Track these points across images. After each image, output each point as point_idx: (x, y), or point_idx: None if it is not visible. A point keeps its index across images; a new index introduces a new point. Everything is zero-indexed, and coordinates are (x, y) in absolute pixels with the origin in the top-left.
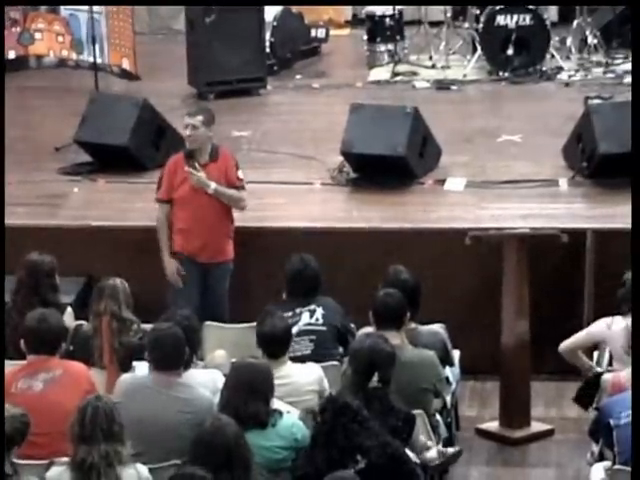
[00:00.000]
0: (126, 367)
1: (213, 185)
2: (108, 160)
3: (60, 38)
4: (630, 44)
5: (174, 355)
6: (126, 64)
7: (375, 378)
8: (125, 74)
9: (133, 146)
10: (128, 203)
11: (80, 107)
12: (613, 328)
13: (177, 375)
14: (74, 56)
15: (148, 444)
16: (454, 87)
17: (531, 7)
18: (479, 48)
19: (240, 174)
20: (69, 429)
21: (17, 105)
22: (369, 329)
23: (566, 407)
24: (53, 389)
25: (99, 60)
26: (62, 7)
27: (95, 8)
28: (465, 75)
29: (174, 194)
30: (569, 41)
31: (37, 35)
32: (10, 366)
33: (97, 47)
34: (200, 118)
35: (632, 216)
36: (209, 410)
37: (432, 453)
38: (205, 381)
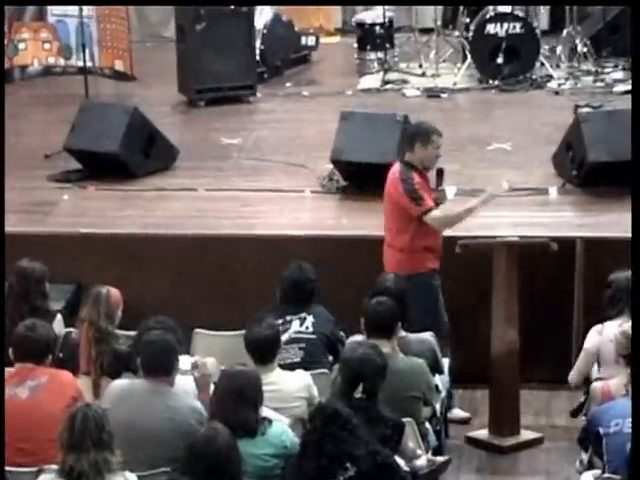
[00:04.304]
0: (114, 375)
1: None
2: (98, 167)
3: (47, 45)
4: (620, 53)
5: (166, 361)
6: (119, 65)
7: (360, 389)
8: (118, 75)
9: (123, 153)
10: (118, 210)
11: (70, 114)
12: (604, 333)
13: (168, 382)
14: (61, 62)
15: (137, 451)
16: (444, 95)
17: (521, 15)
18: (469, 56)
19: None
20: (58, 436)
21: (6, 113)
22: (359, 337)
23: (555, 415)
24: (39, 396)
25: (89, 64)
26: (50, 13)
27: (85, 12)
28: (455, 83)
29: None
30: (559, 49)
31: (21, 45)
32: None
33: (87, 51)
34: None
35: (632, 219)
36: (199, 419)
37: (421, 461)
38: (193, 387)
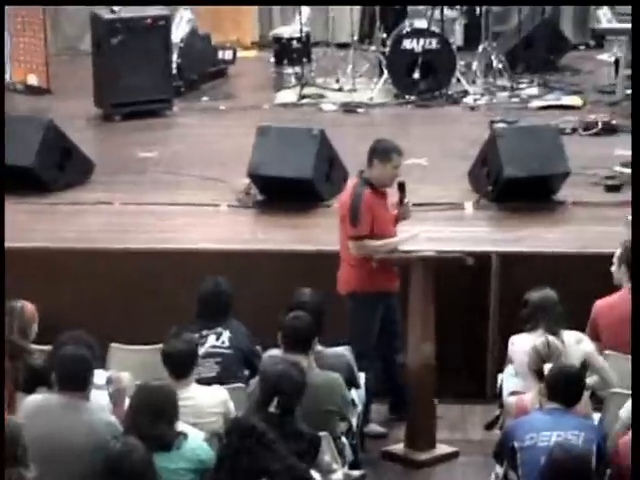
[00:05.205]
0: (29, 390)
1: None
2: (13, 181)
3: None
4: (534, 69)
5: (81, 376)
6: (32, 80)
7: (274, 403)
8: (31, 90)
9: (38, 167)
10: (33, 224)
11: None
12: (516, 345)
13: (84, 397)
14: None
15: (52, 466)
16: (361, 110)
17: (437, 31)
18: (386, 71)
19: None
20: None
21: None
22: (275, 351)
23: (471, 429)
24: None
25: None
26: None
27: None
28: (372, 98)
29: (374, 229)
30: (475, 65)
31: None
32: None
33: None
34: None
35: (632, 221)
36: (114, 433)
37: (337, 476)
38: (108, 402)
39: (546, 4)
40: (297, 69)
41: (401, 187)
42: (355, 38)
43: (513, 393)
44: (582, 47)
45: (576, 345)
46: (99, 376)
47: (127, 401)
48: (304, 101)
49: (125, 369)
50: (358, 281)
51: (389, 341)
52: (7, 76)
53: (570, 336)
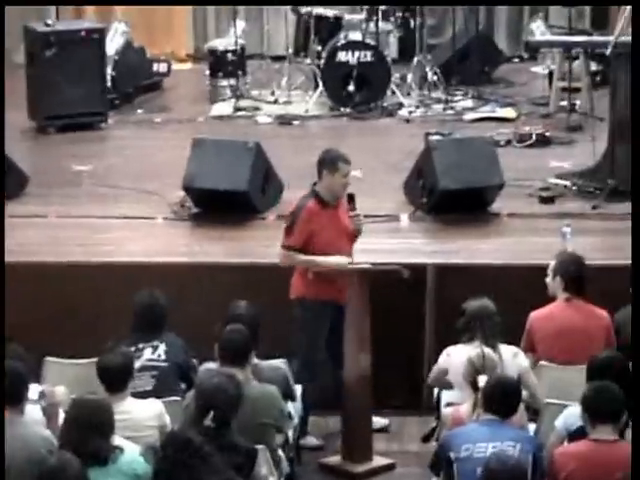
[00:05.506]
0: None
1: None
2: None
3: None
4: (469, 81)
5: (15, 390)
6: None
7: (210, 416)
8: None
9: None
10: None
11: None
12: (452, 356)
13: (18, 411)
14: None
15: None
16: (296, 122)
17: (372, 44)
18: (321, 84)
19: None
20: None
21: None
22: (212, 364)
23: (407, 441)
24: None
25: None
26: None
27: None
28: (307, 110)
29: (315, 242)
30: (409, 78)
31: None
32: None
33: None
34: None
35: (632, 223)
36: (49, 448)
37: None
38: (41, 416)
39: (547, 4)
40: (232, 81)
41: (350, 199)
42: (290, 50)
43: (449, 404)
44: (516, 59)
45: (513, 360)
46: (33, 390)
47: (62, 415)
48: (239, 113)
49: (60, 383)
50: (306, 288)
51: (338, 352)
52: None
53: (507, 350)
